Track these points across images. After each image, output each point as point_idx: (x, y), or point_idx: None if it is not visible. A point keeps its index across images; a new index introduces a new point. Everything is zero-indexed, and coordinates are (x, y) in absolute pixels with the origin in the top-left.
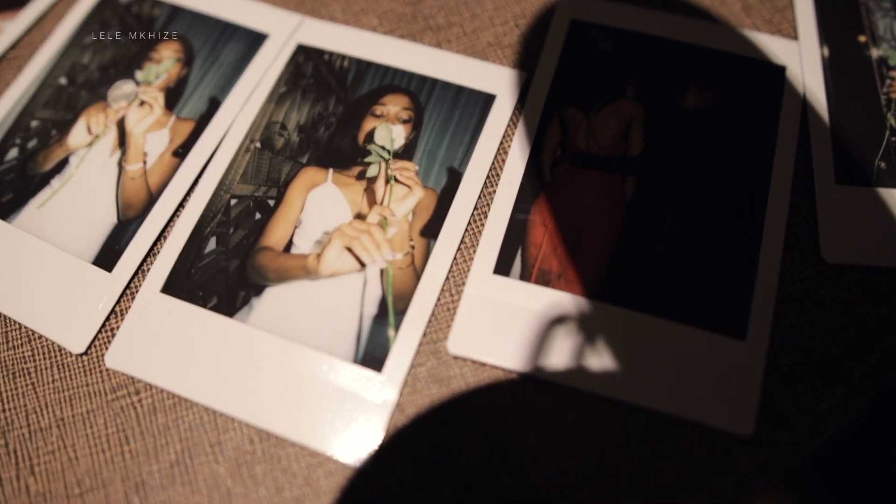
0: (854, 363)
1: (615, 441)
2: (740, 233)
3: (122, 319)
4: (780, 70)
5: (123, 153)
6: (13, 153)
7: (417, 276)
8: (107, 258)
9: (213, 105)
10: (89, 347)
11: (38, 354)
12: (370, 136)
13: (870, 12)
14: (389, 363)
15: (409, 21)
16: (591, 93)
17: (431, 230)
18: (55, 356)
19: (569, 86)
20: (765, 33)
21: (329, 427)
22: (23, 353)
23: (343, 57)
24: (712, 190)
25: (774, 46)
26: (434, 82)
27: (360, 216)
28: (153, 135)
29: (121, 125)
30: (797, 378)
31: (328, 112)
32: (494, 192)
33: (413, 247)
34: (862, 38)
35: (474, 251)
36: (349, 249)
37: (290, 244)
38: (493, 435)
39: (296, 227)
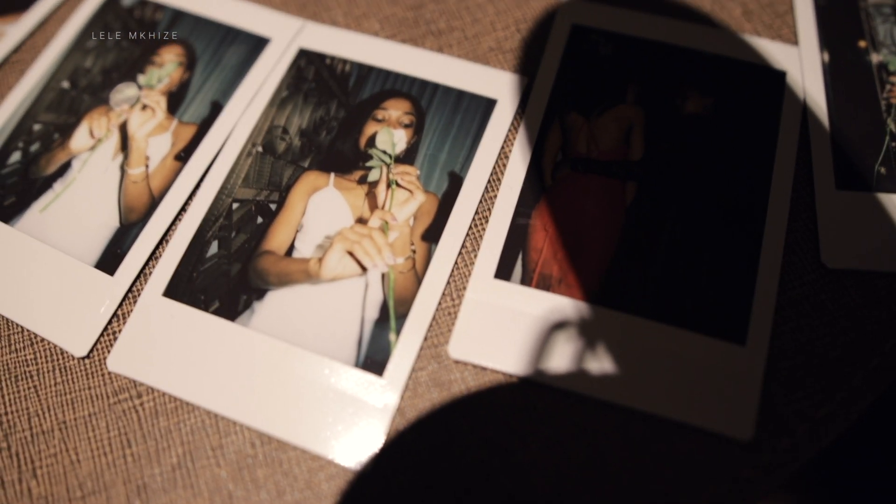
0: (854, 368)
1: (615, 445)
2: (740, 237)
3: (124, 323)
4: (780, 75)
5: (126, 157)
6: (16, 157)
7: (419, 281)
8: (109, 262)
9: (215, 109)
10: (91, 351)
11: (41, 358)
12: (372, 141)
13: (870, 17)
14: (390, 367)
15: (411, 25)
16: (592, 97)
17: (433, 234)
18: (57, 359)
19: (570, 90)
20: (765, 38)
21: (330, 431)
22: (25, 356)
23: (345, 61)
24: (712, 194)
25: (775, 51)
26: (435, 87)
27: (361, 220)
28: (155, 139)
29: (123, 129)
30: (797, 383)
31: (330, 116)
32: (495, 196)
33: (414, 251)
34: (862, 44)
35: (475, 255)
36: (350, 254)
37: (291, 248)
38: (493, 439)
39: (297, 232)
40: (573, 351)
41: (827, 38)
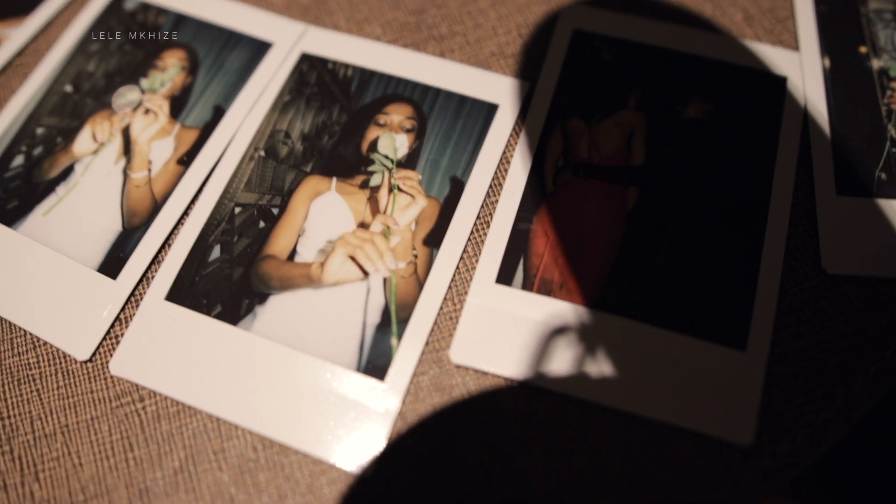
0: (854, 373)
1: (616, 450)
2: (741, 243)
3: (126, 327)
4: (781, 81)
5: (128, 161)
6: (19, 160)
7: (420, 285)
8: (111, 266)
9: (218, 113)
10: (94, 354)
11: (43, 361)
12: (374, 146)
13: (871, 23)
14: (392, 372)
15: (413, 30)
16: (594, 103)
17: (434, 239)
18: (60, 363)
19: (571, 96)
20: (766, 44)
21: (332, 435)
22: (28, 359)
23: (347, 66)
24: (713, 200)
25: (776, 57)
26: (437, 92)
27: (363, 225)
28: (158, 143)
29: (126, 133)
30: (797, 388)
31: (332, 121)
32: (497, 201)
33: (416, 256)
34: (863, 49)
35: (477, 260)
36: (352, 258)
37: (293, 253)
38: (494, 443)
39: (299, 236)
40: (574, 356)
41: (828, 43)
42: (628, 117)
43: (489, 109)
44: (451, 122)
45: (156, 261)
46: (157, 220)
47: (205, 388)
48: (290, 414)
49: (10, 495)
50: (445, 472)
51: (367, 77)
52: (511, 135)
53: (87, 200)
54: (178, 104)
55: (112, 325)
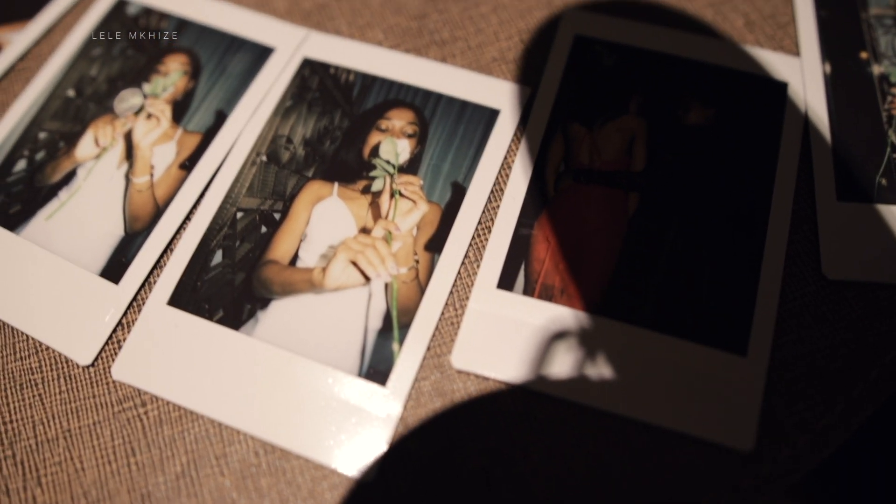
0: (854, 379)
1: (616, 456)
2: (742, 248)
3: (128, 331)
4: (781, 86)
5: (131, 166)
6: (21, 165)
7: (422, 291)
8: (114, 270)
9: (220, 118)
10: (96, 359)
11: (45, 366)
12: (375, 151)
13: (871, 28)
14: (393, 377)
15: (415, 35)
16: (595, 108)
17: (436, 244)
18: (62, 367)
19: (572, 101)
20: (767, 49)
21: (333, 440)
22: (30, 364)
23: (348, 71)
24: (714, 205)
25: (776, 63)
26: (439, 97)
27: (365, 230)
28: (160, 147)
29: (128, 138)
30: (798, 393)
31: (334, 126)
32: (498, 207)
33: (417, 261)
34: (864, 55)
35: (478, 266)
36: (354, 263)
37: (295, 258)
38: (495, 448)
39: (301, 241)
40: (575, 361)
41: (828, 49)
42: (629, 123)
43: (490, 115)
44: (452, 128)
45: (158, 266)
46: (160, 225)
47: (207, 392)
48: (292, 419)
49: (13, 500)
50: (446, 477)
51: (368, 82)
52: (512, 140)
53: (90, 205)
54: (180, 109)
55: (114, 330)
